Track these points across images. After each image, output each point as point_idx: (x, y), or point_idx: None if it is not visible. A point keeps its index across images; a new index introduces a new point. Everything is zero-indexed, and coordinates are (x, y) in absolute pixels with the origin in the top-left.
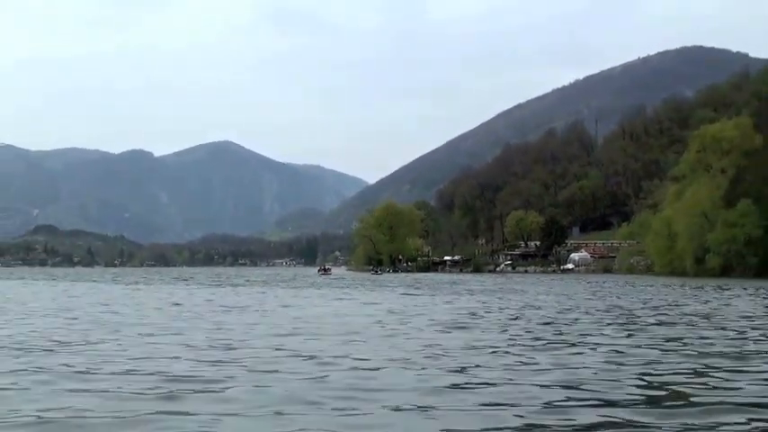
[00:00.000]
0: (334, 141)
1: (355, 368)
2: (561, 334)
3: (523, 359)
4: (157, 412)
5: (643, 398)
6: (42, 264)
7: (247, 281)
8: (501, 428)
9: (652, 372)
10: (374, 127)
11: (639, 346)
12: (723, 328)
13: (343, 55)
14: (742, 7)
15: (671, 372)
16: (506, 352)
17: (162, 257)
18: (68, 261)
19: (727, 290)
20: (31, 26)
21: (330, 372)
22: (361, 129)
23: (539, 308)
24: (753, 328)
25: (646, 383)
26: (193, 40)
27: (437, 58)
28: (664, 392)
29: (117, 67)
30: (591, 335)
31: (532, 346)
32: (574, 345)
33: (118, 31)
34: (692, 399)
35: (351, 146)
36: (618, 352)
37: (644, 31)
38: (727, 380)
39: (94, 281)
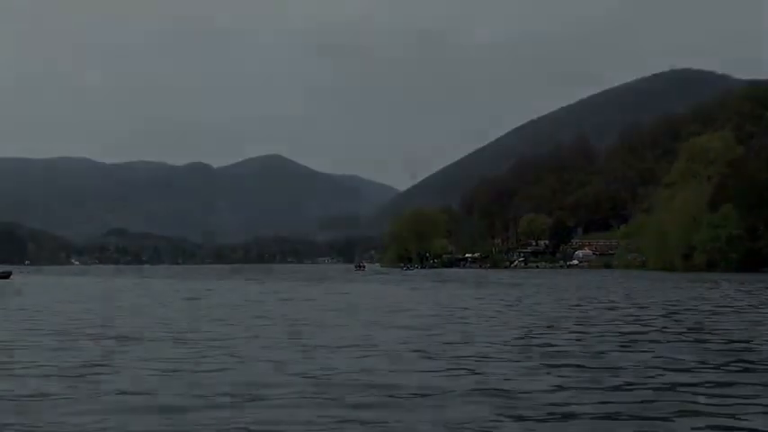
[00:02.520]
0: (370, 155)
1: None
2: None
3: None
4: None
5: None
6: (115, 262)
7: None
8: None
9: None
10: (405, 141)
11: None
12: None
13: (377, 79)
14: (725, 36)
15: None
16: None
17: (219, 256)
18: (137, 260)
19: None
20: (106, 57)
21: None
22: (393, 143)
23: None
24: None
25: None
26: (244, 68)
27: (459, 82)
28: None
29: (179, 91)
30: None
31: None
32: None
33: (179, 61)
34: None
35: (384, 158)
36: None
37: (640, 56)
38: None
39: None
